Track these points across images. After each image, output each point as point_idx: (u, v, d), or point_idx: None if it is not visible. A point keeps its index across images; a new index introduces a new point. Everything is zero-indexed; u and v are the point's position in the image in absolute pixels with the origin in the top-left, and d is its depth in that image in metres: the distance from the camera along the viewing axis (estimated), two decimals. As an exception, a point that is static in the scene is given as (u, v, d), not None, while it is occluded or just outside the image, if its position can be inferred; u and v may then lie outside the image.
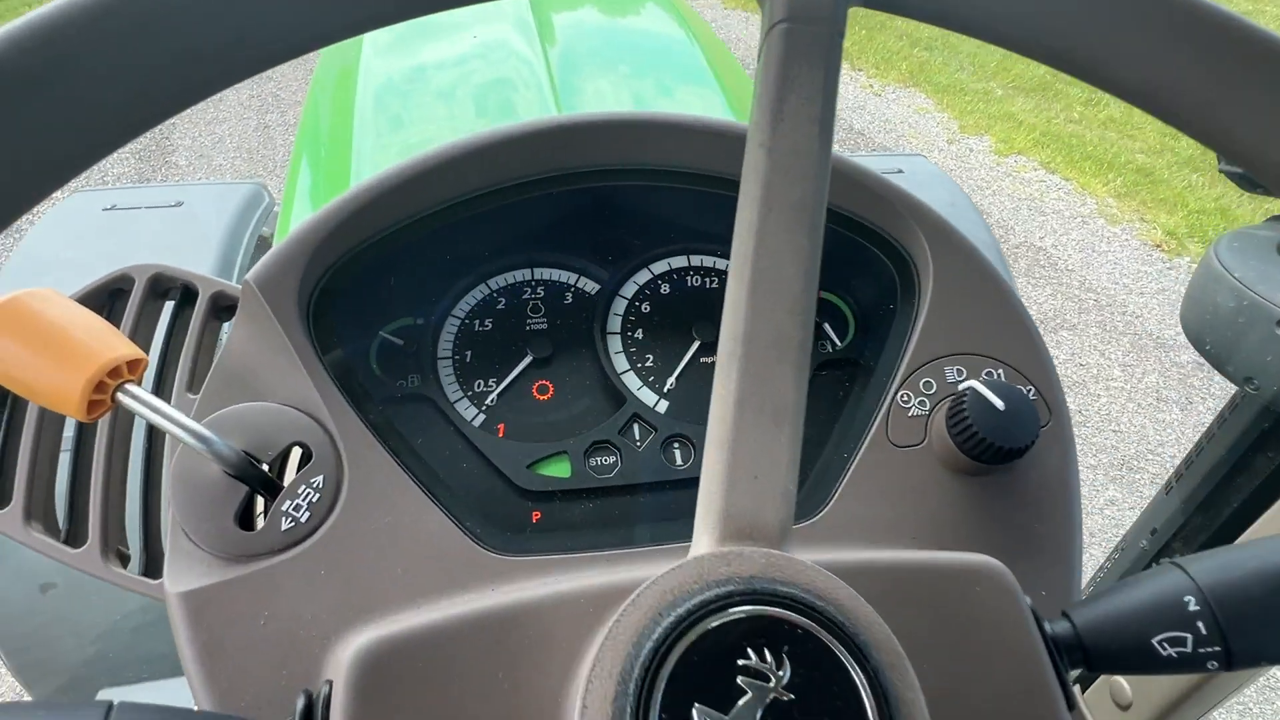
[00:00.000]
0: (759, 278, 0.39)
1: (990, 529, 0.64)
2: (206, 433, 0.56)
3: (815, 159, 0.40)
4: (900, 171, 1.94)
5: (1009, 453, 0.61)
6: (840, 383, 0.82)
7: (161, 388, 0.71)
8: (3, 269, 1.59)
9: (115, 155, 4.07)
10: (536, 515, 0.72)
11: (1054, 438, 0.66)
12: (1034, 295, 3.72)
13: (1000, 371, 0.70)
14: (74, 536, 0.67)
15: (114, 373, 0.54)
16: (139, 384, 0.55)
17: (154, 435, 0.72)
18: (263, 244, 1.86)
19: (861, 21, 5.96)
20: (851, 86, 5.30)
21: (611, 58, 1.76)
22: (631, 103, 1.64)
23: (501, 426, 0.77)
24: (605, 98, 1.63)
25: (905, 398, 0.69)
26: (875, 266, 0.80)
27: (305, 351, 0.64)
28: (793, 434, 0.39)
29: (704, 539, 0.38)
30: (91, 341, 0.53)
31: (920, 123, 4.98)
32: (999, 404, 0.62)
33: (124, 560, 0.67)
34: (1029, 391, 0.69)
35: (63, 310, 0.53)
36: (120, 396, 0.54)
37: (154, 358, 0.72)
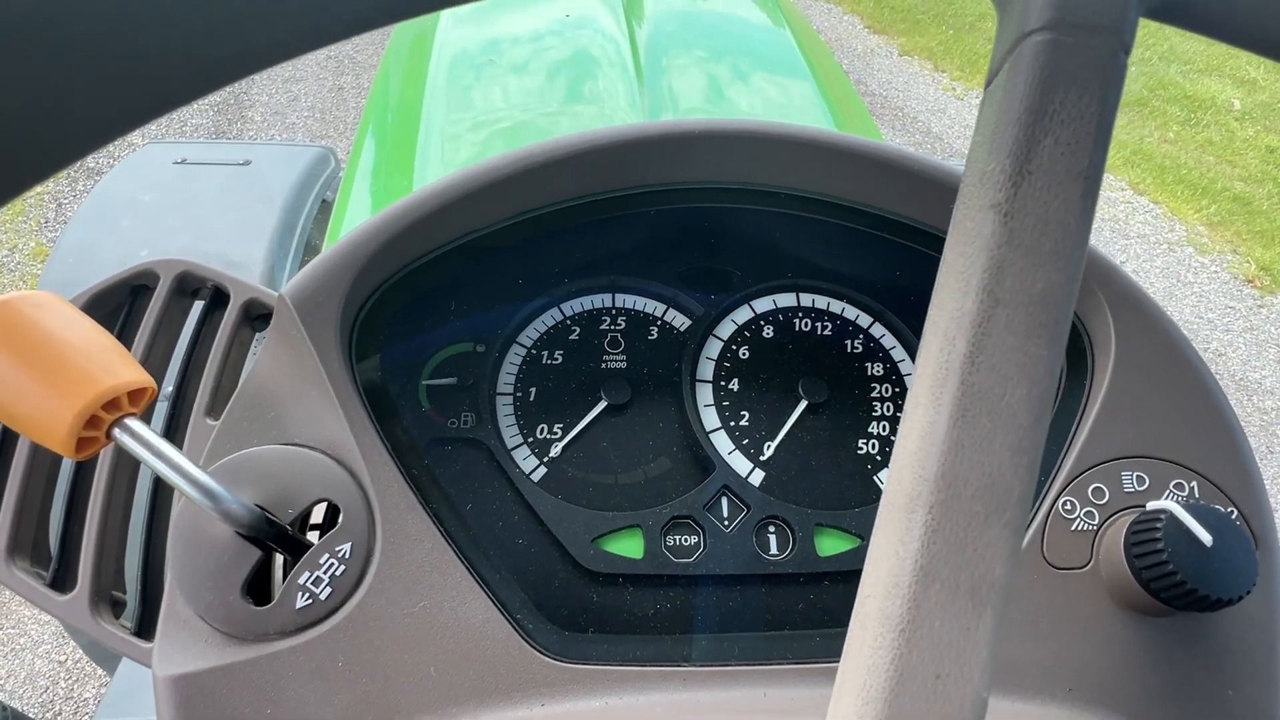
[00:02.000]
0: (971, 398, 0.28)
1: (1170, 690, 0.52)
2: (214, 486, 0.47)
3: (1072, 235, 0.29)
4: None
5: (1214, 602, 0.50)
6: None
7: (181, 404, 0.63)
8: (75, 213, 1.59)
9: (193, 107, 4.09)
10: (600, 601, 0.63)
11: (1262, 579, 0.54)
12: (1111, 323, 3.52)
13: (1194, 485, 0.58)
14: (62, 581, 0.59)
15: (112, 404, 0.45)
16: (140, 416, 0.47)
17: None
18: (325, 208, 1.82)
19: (950, 20, 5.70)
20: (933, 88, 5.08)
21: (701, 43, 1.65)
22: (720, 93, 1.52)
23: (564, 486, 0.68)
24: (692, 83, 1.52)
25: (1068, 506, 0.57)
26: None
27: (342, 385, 0.55)
28: (994, 623, 0.29)
29: None
30: (89, 364, 0.44)
31: (1002, 130, 4.74)
32: (1206, 538, 0.50)
33: (117, 609, 0.60)
34: (1231, 514, 0.57)
35: (61, 322, 0.44)
36: (117, 434, 0.46)
37: (175, 366, 0.64)
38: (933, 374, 0.29)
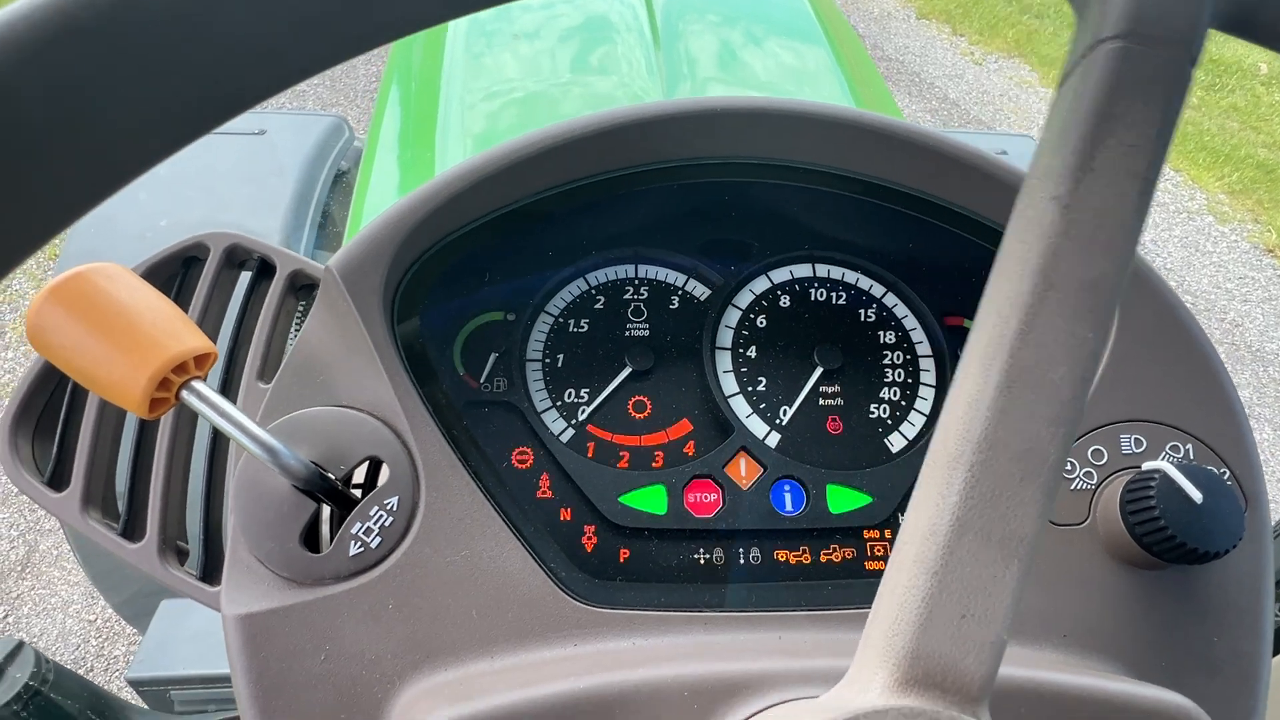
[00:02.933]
0: (1018, 372, 0.30)
1: (1159, 637, 0.56)
2: (274, 442, 0.51)
3: (1126, 231, 0.31)
4: (1005, 153, 1.81)
5: (1202, 555, 0.53)
6: None
7: (232, 370, 0.67)
8: None
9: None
10: (624, 554, 0.67)
11: (1249, 535, 0.57)
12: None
13: (1189, 448, 0.61)
14: (132, 529, 0.64)
15: (180, 368, 0.49)
16: (205, 379, 0.51)
17: None
18: (339, 178, 1.85)
19: (970, -18, 5.61)
20: (951, 53, 5.02)
21: (718, 9, 1.66)
22: (737, 60, 1.54)
23: (591, 446, 0.72)
24: (709, 51, 1.53)
25: (1068, 467, 0.61)
26: None
27: (386, 351, 0.59)
28: (1021, 573, 0.30)
29: (875, 676, 0.31)
30: (158, 332, 0.47)
31: (1021, 97, 4.70)
32: (1196, 495, 0.53)
33: (182, 557, 0.64)
34: (1223, 475, 0.60)
35: (130, 292, 0.48)
36: (185, 395, 0.49)
37: (226, 334, 0.68)
38: (984, 347, 0.32)
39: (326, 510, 0.58)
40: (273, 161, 1.71)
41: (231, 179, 1.67)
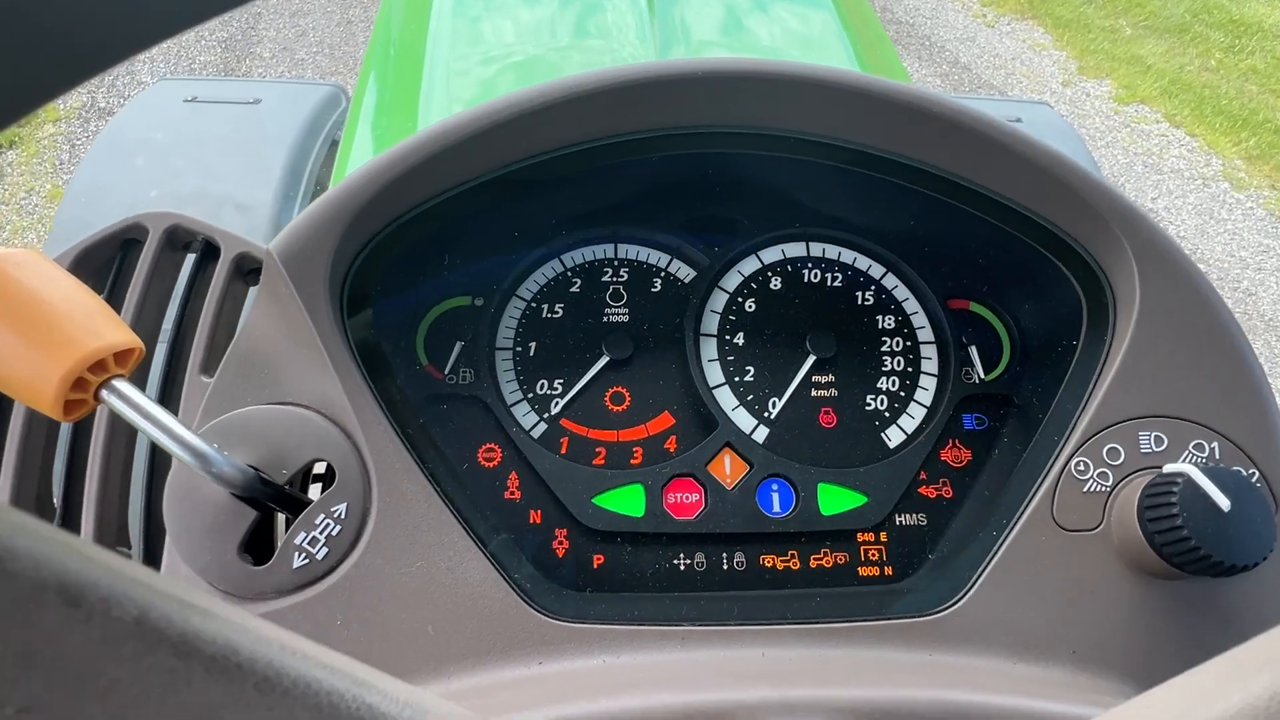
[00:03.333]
0: None
1: (1178, 655, 0.51)
2: (205, 448, 0.46)
3: None
4: (1019, 120, 1.73)
5: (1229, 568, 0.48)
6: (990, 429, 0.68)
7: (176, 362, 0.62)
8: (86, 154, 1.60)
9: (201, 44, 4.02)
10: (599, 560, 0.62)
11: None
12: (1139, 262, 3.43)
13: (1215, 446, 0.56)
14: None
15: (99, 366, 0.44)
16: (128, 378, 0.46)
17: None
18: (335, 149, 1.80)
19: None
20: (961, 15, 4.88)
21: None
22: (735, 24, 1.46)
23: (565, 442, 0.66)
24: (705, 14, 1.45)
25: (1081, 467, 0.56)
26: (1053, 280, 0.65)
27: (334, 343, 0.54)
28: None
29: None
30: (73, 327, 0.42)
31: (1035, 60, 4.57)
32: (1223, 502, 0.48)
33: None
34: (1251, 476, 0.55)
35: (43, 281, 0.43)
36: (105, 396, 0.45)
37: (169, 322, 0.63)
38: None
39: (283, 517, 0.54)
40: (268, 131, 1.66)
41: (225, 148, 1.62)
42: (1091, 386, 0.58)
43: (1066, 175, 0.60)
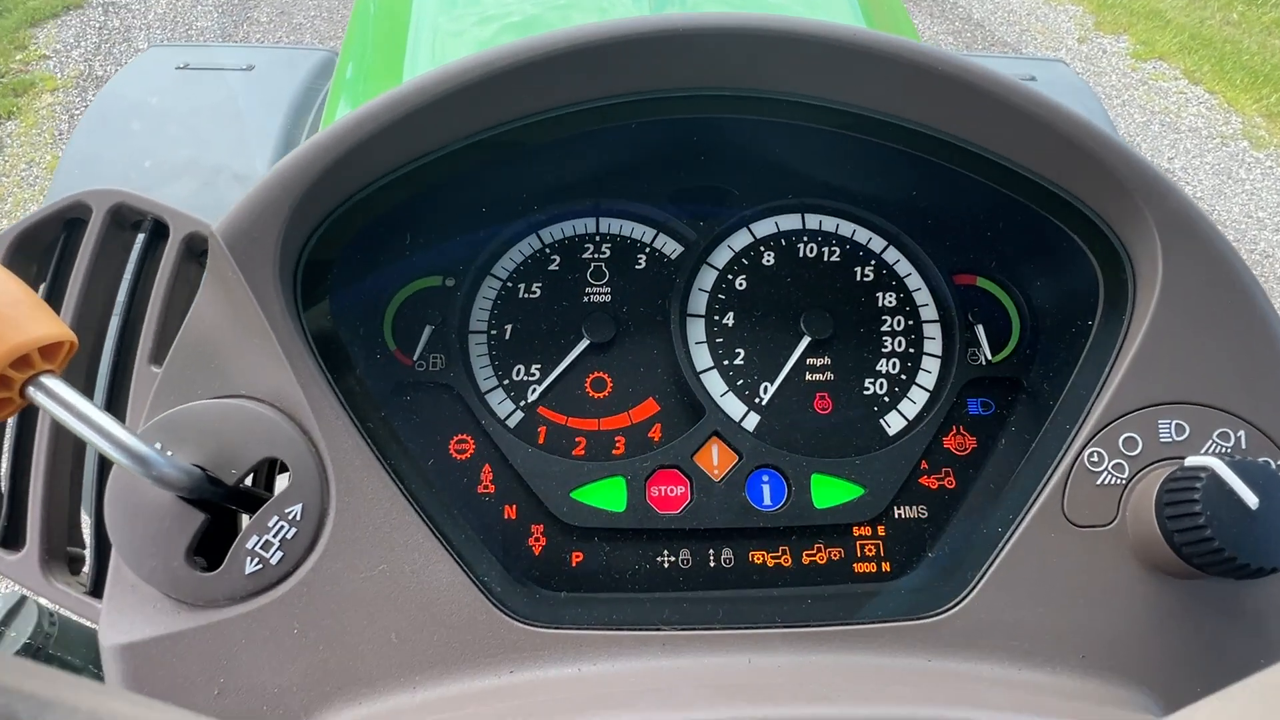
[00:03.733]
0: None
1: (1196, 658, 0.48)
2: (144, 450, 0.43)
3: None
4: (1033, 79, 1.66)
5: (1255, 571, 0.44)
6: (997, 415, 0.64)
7: (125, 352, 0.58)
8: (78, 124, 1.56)
9: (199, 8, 3.94)
10: (577, 557, 0.58)
11: None
12: (1154, 225, 3.35)
13: (1241, 435, 0.51)
14: (13, 539, 0.56)
15: (23, 361, 0.40)
16: (58, 373, 0.42)
17: (114, 406, 0.59)
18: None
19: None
20: (975, -33, 4.72)
21: None
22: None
23: (543, 431, 0.62)
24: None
25: (1094, 458, 0.51)
26: (1068, 255, 0.60)
27: (285, 331, 0.50)
28: None
29: None
30: None
31: (1050, 16, 4.43)
32: (1251, 500, 0.44)
33: (75, 565, 0.57)
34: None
35: None
36: (32, 394, 0.41)
37: (120, 307, 0.59)
38: None
39: (246, 517, 0.51)
40: (261, 98, 1.62)
41: (218, 117, 1.58)
42: (1108, 370, 0.54)
43: (1084, 139, 0.54)
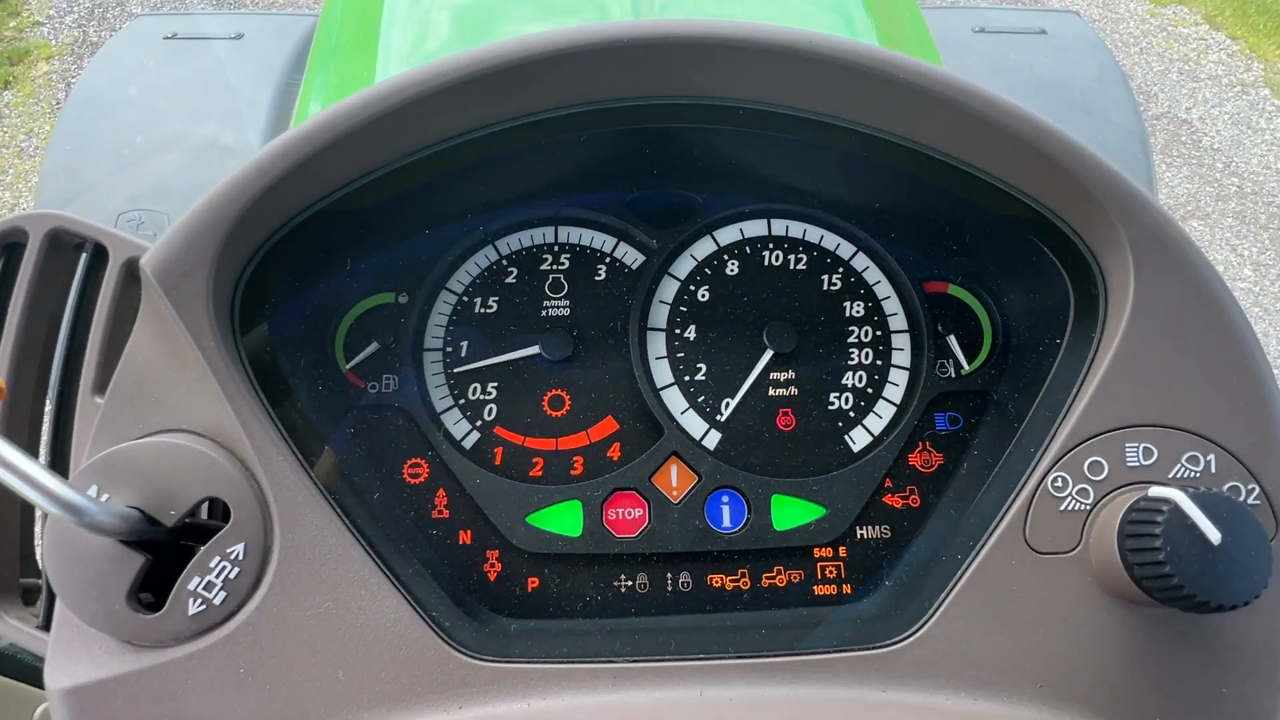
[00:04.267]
0: None
1: (1157, 685, 0.47)
2: (75, 498, 0.42)
3: None
4: (1042, 32, 1.60)
5: (1215, 608, 0.43)
6: (964, 430, 0.62)
7: (70, 382, 0.58)
8: (67, 100, 1.54)
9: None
10: (533, 583, 0.58)
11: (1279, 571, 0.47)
12: (1167, 177, 3.27)
13: (1211, 459, 0.50)
14: None
15: None
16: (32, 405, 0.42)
17: (60, 438, 0.58)
18: None
19: None
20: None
21: None
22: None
23: (499, 452, 0.61)
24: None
25: (1059, 483, 0.50)
26: (1038, 267, 0.58)
27: (222, 365, 0.49)
28: None
29: None
30: None
31: (1066, -42, 4.26)
32: (1214, 535, 0.43)
33: (30, 595, 0.57)
34: (1251, 493, 0.49)
35: None
36: None
37: (63, 335, 0.58)
38: None
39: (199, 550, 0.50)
40: (251, 67, 1.59)
41: (208, 89, 1.56)
42: (1075, 391, 0.52)
43: (1054, 149, 0.52)
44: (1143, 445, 0.50)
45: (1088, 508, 0.50)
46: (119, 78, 1.54)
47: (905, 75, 0.52)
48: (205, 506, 0.51)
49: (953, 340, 0.64)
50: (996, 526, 0.50)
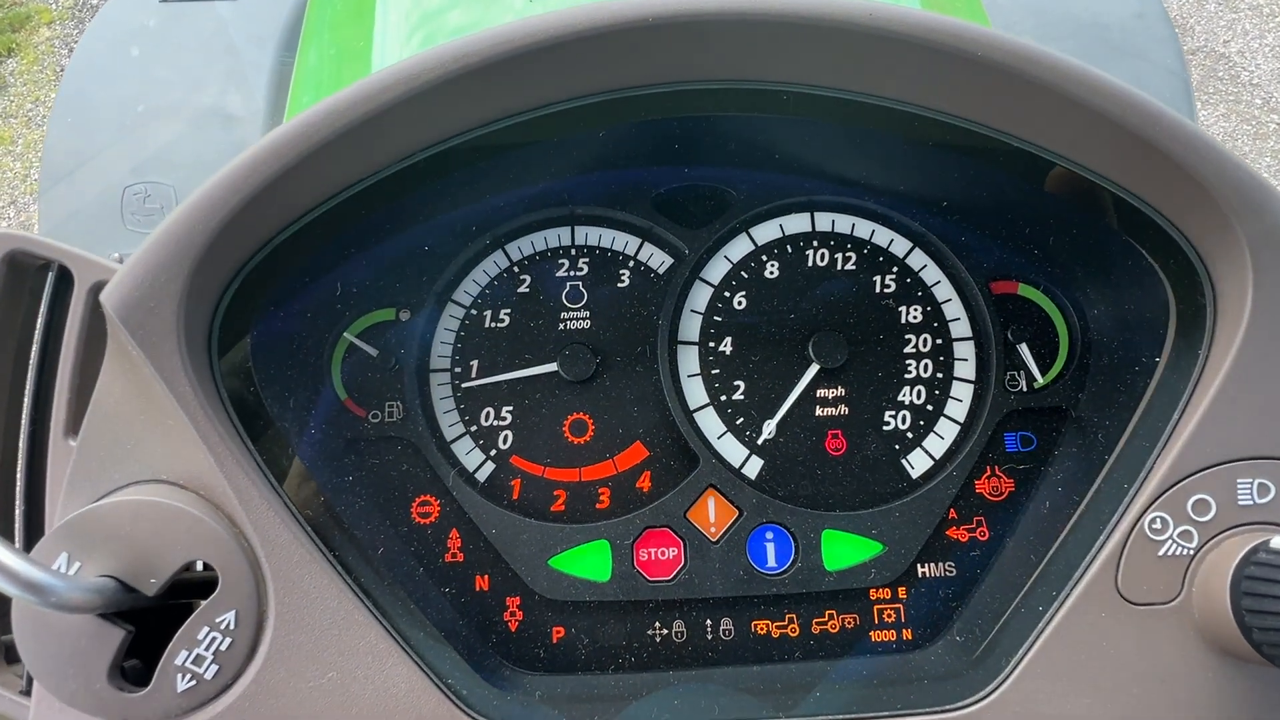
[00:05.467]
0: None
1: None
2: (40, 577, 0.38)
3: None
4: None
5: None
6: (1038, 452, 0.56)
7: (41, 417, 0.52)
8: (67, 69, 1.51)
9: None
10: (558, 632, 0.52)
11: None
12: (1203, 115, 3.13)
13: None
14: None
15: None
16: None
17: (34, 486, 0.52)
18: None
19: None
20: None
21: None
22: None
23: (516, 485, 0.55)
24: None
25: (1157, 524, 0.44)
26: (1133, 272, 0.51)
27: (199, 409, 0.43)
28: None
29: None
30: None
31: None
32: None
33: (12, 655, 0.52)
34: None
35: None
36: None
37: (32, 369, 0.52)
38: None
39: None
40: (250, 30, 1.52)
41: (207, 53, 1.50)
42: (1178, 416, 0.45)
43: (1163, 137, 0.44)
44: (1258, 481, 0.44)
45: (1191, 553, 0.44)
46: (118, 43, 1.49)
47: (985, 51, 0.44)
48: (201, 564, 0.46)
49: (1024, 349, 0.57)
50: (1084, 573, 0.44)
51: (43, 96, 3.03)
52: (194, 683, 0.42)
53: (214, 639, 0.43)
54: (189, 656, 0.43)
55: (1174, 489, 0.45)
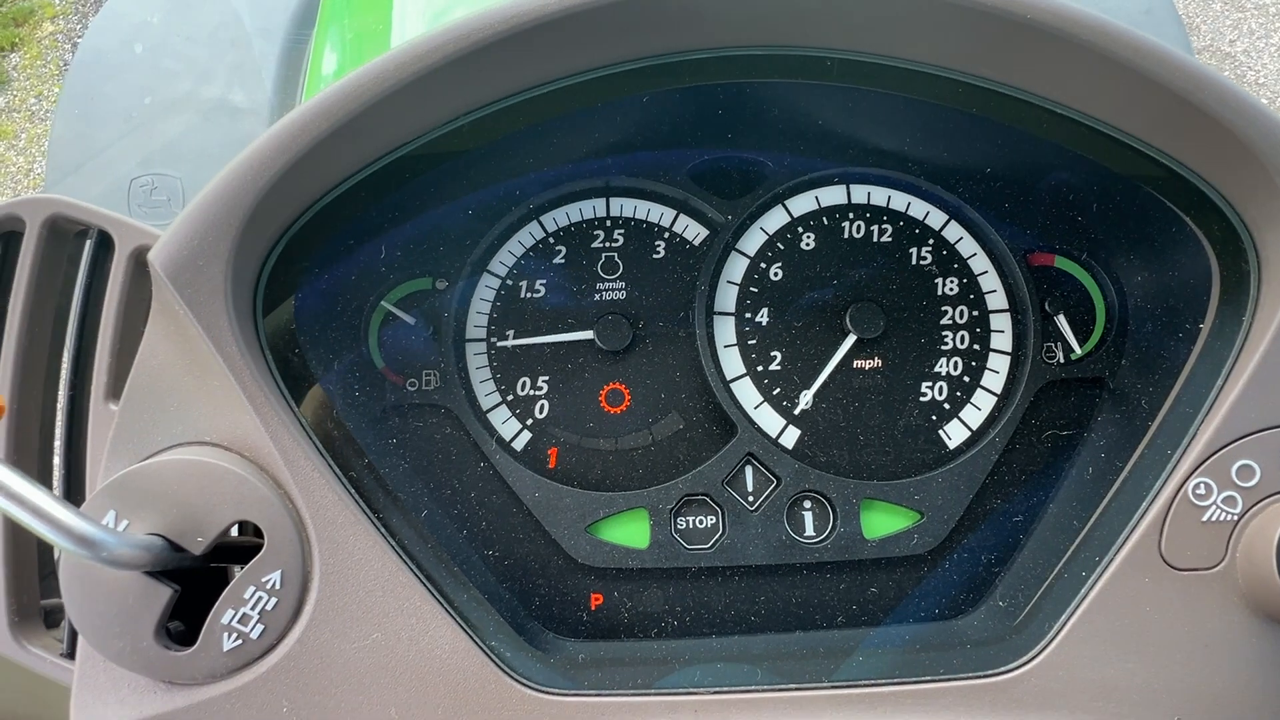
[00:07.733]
0: None
1: None
2: (91, 531, 0.38)
3: None
4: None
5: None
6: (1077, 423, 0.56)
7: (81, 385, 0.52)
8: (73, 60, 1.52)
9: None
10: (596, 600, 0.52)
11: None
12: (1210, 116, 3.13)
13: None
14: None
15: None
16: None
17: (74, 451, 0.52)
18: None
19: None
20: None
21: None
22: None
23: (554, 454, 0.55)
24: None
25: (1200, 490, 0.44)
26: (1174, 237, 0.51)
27: (246, 370, 0.43)
28: None
29: None
30: None
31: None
32: None
33: (54, 617, 0.52)
34: None
35: None
36: None
37: (71, 333, 0.52)
38: None
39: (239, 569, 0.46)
40: (257, 21, 1.52)
41: (214, 45, 1.49)
42: (1221, 382, 0.45)
43: (1211, 100, 0.43)
44: None
45: (1235, 518, 0.44)
46: (124, 36, 1.48)
47: (1031, 12, 0.44)
48: (238, 528, 0.46)
49: (1062, 320, 0.57)
50: (1128, 539, 0.44)
51: (45, 91, 3.03)
52: (240, 642, 0.43)
53: (260, 598, 0.43)
54: (235, 616, 0.43)
55: (1218, 454, 0.44)
